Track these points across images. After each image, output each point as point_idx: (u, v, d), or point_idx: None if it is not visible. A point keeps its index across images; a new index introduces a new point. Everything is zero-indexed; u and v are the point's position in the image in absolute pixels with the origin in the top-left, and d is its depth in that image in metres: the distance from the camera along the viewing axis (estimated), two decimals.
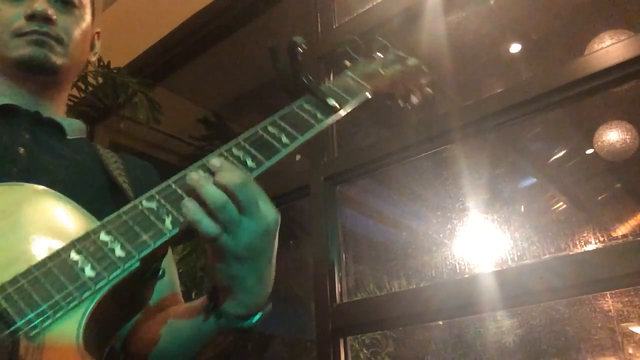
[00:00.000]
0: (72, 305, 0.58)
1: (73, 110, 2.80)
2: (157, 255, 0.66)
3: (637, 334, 2.71)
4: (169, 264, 0.92)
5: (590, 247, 1.72)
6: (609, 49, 1.49)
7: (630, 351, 2.65)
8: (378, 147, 1.88)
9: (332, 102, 0.83)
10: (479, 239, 2.16)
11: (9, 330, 0.55)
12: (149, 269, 0.67)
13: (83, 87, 2.61)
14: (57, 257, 0.61)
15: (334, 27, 2.19)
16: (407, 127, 1.88)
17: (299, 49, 0.81)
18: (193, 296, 2.67)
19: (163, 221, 0.65)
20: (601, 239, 1.81)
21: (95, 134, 3.21)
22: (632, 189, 2.91)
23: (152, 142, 3.12)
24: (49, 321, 0.57)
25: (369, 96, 0.90)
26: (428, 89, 1.00)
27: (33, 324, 0.56)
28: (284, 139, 0.76)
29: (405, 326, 2.57)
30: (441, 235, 2.31)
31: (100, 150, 0.96)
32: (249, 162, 0.72)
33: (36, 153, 0.84)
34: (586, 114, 2.79)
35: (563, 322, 2.54)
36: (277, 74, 0.84)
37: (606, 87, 1.52)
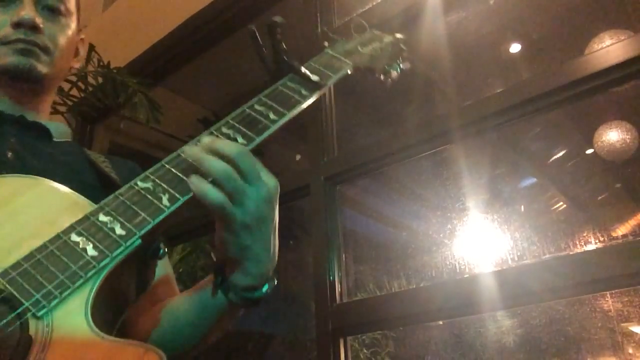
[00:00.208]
0: (77, 284, 0.59)
1: (73, 110, 2.80)
2: (156, 233, 0.67)
3: (637, 334, 2.71)
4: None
5: (590, 247, 1.72)
6: (609, 49, 1.49)
7: (630, 351, 2.65)
8: (378, 147, 1.88)
9: (315, 78, 0.85)
10: (479, 239, 2.16)
11: (16, 312, 0.55)
12: (150, 248, 0.68)
13: (83, 87, 2.61)
14: (58, 239, 0.62)
15: (334, 27, 2.19)
16: (407, 127, 1.88)
17: (279, 29, 0.84)
18: None
19: (160, 199, 0.66)
20: (601, 239, 1.81)
21: (95, 134, 3.21)
22: (632, 189, 2.91)
23: (152, 142, 3.12)
24: (56, 301, 0.57)
25: (350, 71, 0.92)
26: (406, 63, 1.03)
27: (40, 305, 0.56)
28: (272, 116, 0.78)
29: (405, 326, 2.57)
30: (441, 235, 2.31)
31: (87, 151, 0.97)
32: (240, 139, 0.74)
33: (24, 156, 0.84)
34: (586, 114, 2.79)
35: (563, 322, 2.54)
36: (258, 55, 0.85)
37: (606, 87, 1.52)
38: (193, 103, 3.40)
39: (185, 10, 2.72)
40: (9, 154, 0.83)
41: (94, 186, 0.87)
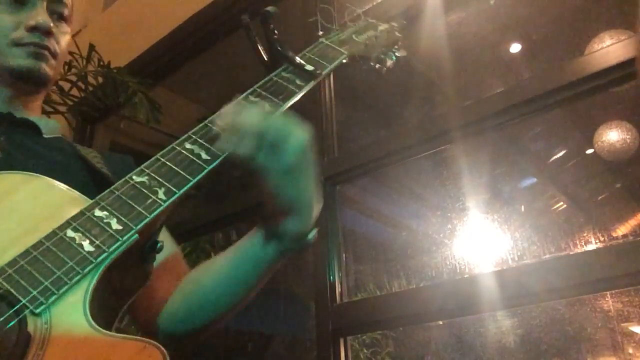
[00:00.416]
0: (75, 280, 0.58)
1: (73, 110, 2.81)
2: (153, 227, 0.67)
3: (637, 334, 2.71)
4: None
5: (590, 247, 1.72)
6: (609, 49, 1.49)
7: (630, 351, 2.65)
8: (378, 147, 1.88)
9: (310, 67, 0.85)
10: (479, 239, 2.16)
11: (13, 309, 0.55)
12: (148, 242, 0.68)
13: (83, 87, 2.61)
14: (54, 236, 0.61)
15: (334, 26, 2.18)
16: (407, 127, 1.88)
17: (272, 19, 0.83)
18: None
19: (156, 193, 0.66)
20: (601, 239, 1.81)
21: (96, 133, 3.21)
22: (632, 189, 2.91)
23: (152, 142, 3.12)
24: (54, 297, 0.57)
25: (345, 60, 0.92)
26: (402, 51, 1.02)
27: (38, 302, 0.56)
28: (267, 107, 0.77)
29: (405, 326, 2.57)
30: (441, 235, 2.31)
31: (78, 146, 0.96)
32: None
33: (13, 154, 0.84)
34: (586, 114, 2.79)
35: (563, 322, 2.54)
36: (252, 46, 0.85)
37: (606, 87, 1.52)
38: (193, 103, 3.40)
39: (185, 10, 2.72)
40: None
41: (85, 182, 0.86)
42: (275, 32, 0.84)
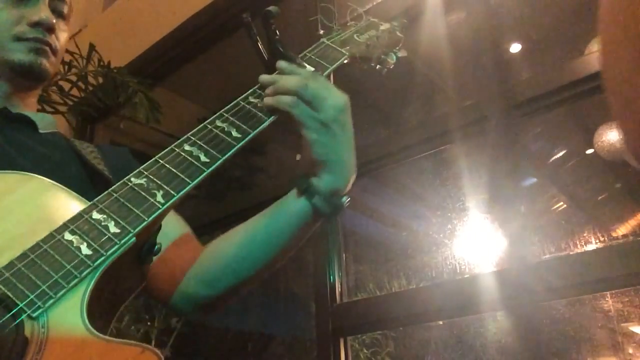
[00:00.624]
0: (72, 284, 0.58)
1: (73, 110, 2.81)
2: (151, 230, 0.67)
3: (637, 334, 2.71)
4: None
5: (590, 247, 1.72)
6: None
7: (630, 351, 2.65)
8: (378, 147, 1.88)
9: (310, 69, 0.85)
10: (479, 239, 2.16)
11: (11, 313, 0.54)
12: (145, 244, 0.68)
13: (83, 86, 2.61)
14: (52, 238, 0.61)
15: (334, 27, 2.18)
16: (407, 127, 1.88)
17: (273, 18, 0.84)
18: None
19: (154, 195, 0.66)
20: (601, 239, 1.81)
21: (96, 133, 3.21)
22: (632, 189, 2.91)
23: (152, 142, 3.12)
24: (51, 301, 0.56)
25: (346, 61, 0.93)
26: (403, 51, 1.03)
27: (35, 306, 0.55)
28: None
29: (405, 326, 2.57)
30: (441, 235, 2.31)
31: (74, 142, 0.95)
32: (234, 133, 0.74)
33: (7, 150, 0.83)
34: (586, 114, 2.79)
35: (563, 322, 2.54)
36: (253, 45, 0.85)
37: None
38: (193, 103, 3.40)
39: (185, 10, 2.72)
40: None
41: (80, 179, 0.86)
42: (277, 32, 0.85)
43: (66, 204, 0.67)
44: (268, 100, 0.78)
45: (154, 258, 0.72)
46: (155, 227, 0.68)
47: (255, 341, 3.18)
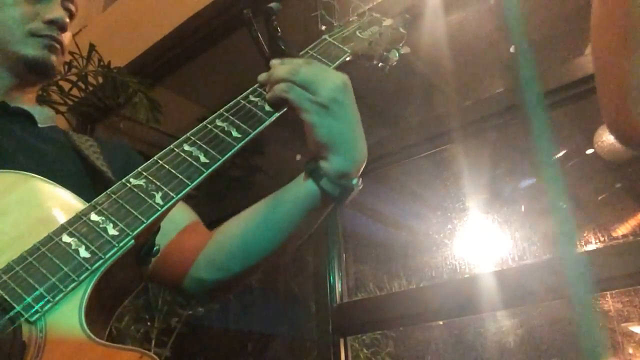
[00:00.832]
0: (70, 287, 0.57)
1: (73, 110, 2.81)
2: (150, 232, 0.66)
3: (637, 334, 2.71)
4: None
5: (590, 247, 1.72)
6: None
7: (630, 351, 2.65)
8: (378, 147, 1.88)
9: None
10: (479, 239, 2.16)
11: (7, 317, 0.54)
12: (144, 246, 0.67)
13: (83, 86, 2.61)
14: (50, 241, 0.60)
15: (334, 26, 2.18)
16: (407, 127, 1.88)
17: (275, 15, 0.84)
18: None
19: (153, 197, 0.65)
20: (601, 239, 1.81)
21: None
22: (632, 189, 2.90)
23: (152, 142, 3.12)
24: (49, 305, 0.56)
25: (348, 58, 0.92)
26: (406, 48, 1.01)
27: (33, 309, 0.55)
28: (267, 107, 0.78)
29: (405, 326, 2.57)
30: (441, 235, 2.31)
31: (73, 136, 0.95)
32: (234, 133, 0.74)
33: (4, 146, 0.83)
34: (586, 114, 2.78)
35: (563, 322, 2.53)
36: (254, 41, 0.85)
37: None
38: (193, 103, 3.39)
39: (185, 10, 2.72)
40: None
41: (78, 175, 0.85)
42: (278, 28, 0.84)
43: (64, 205, 0.67)
44: (268, 95, 0.78)
45: (153, 259, 0.72)
46: (154, 229, 0.67)
47: (255, 341, 3.18)
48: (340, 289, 1.82)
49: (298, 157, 2.23)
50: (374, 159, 1.88)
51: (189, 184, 0.68)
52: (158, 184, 0.67)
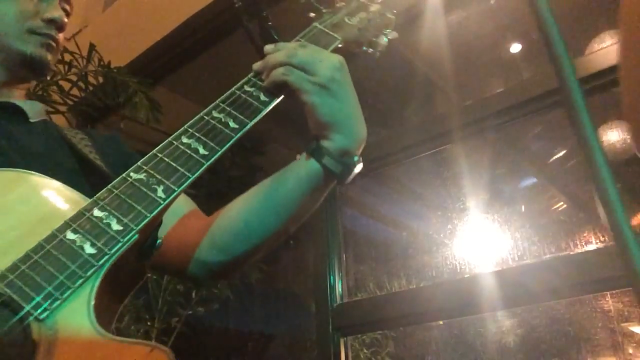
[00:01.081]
0: (77, 284, 0.57)
1: (73, 110, 2.80)
2: (153, 226, 0.66)
3: (637, 334, 2.71)
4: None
5: (590, 247, 1.72)
6: (609, 49, 1.49)
7: (630, 351, 2.65)
8: (378, 147, 1.88)
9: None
10: (479, 239, 2.16)
11: (18, 316, 0.54)
12: (147, 239, 0.67)
13: (83, 86, 2.61)
14: (54, 238, 0.60)
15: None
16: (407, 127, 1.88)
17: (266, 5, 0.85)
18: (193, 295, 2.67)
19: (155, 190, 0.65)
20: (601, 239, 1.81)
21: None
22: (632, 189, 2.91)
23: (152, 141, 3.11)
24: (58, 302, 0.56)
25: (340, 45, 0.92)
26: (394, 33, 1.01)
27: (42, 308, 0.55)
28: (262, 97, 0.78)
29: (405, 326, 2.57)
30: (441, 235, 2.31)
31: (64, 130, 0.94)
32: (232, 124, 0.74)
33: None
34: None
35: (563, 322, 2.54)
36: (246, 31, 0.85)
37: (606, 87, 1.52)
38: (193, 103, 3.40)
39: (185, 10, 2.72)
40: None
41: (71, 170, 0.85)
42: (269, 17, 0.86)
43: (66, 202, 0.66)
44: (266, 81, 0.78)
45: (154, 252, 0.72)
46: (156, 222, 0.67)
47: (255, 341, 3.18)
48: (340, 289, 1.82)
49: (298, 157, 2.24)
50: (374, 159, 1.88)
51: (190, 176, 0.68)
52: (159, 177, 0.67)
